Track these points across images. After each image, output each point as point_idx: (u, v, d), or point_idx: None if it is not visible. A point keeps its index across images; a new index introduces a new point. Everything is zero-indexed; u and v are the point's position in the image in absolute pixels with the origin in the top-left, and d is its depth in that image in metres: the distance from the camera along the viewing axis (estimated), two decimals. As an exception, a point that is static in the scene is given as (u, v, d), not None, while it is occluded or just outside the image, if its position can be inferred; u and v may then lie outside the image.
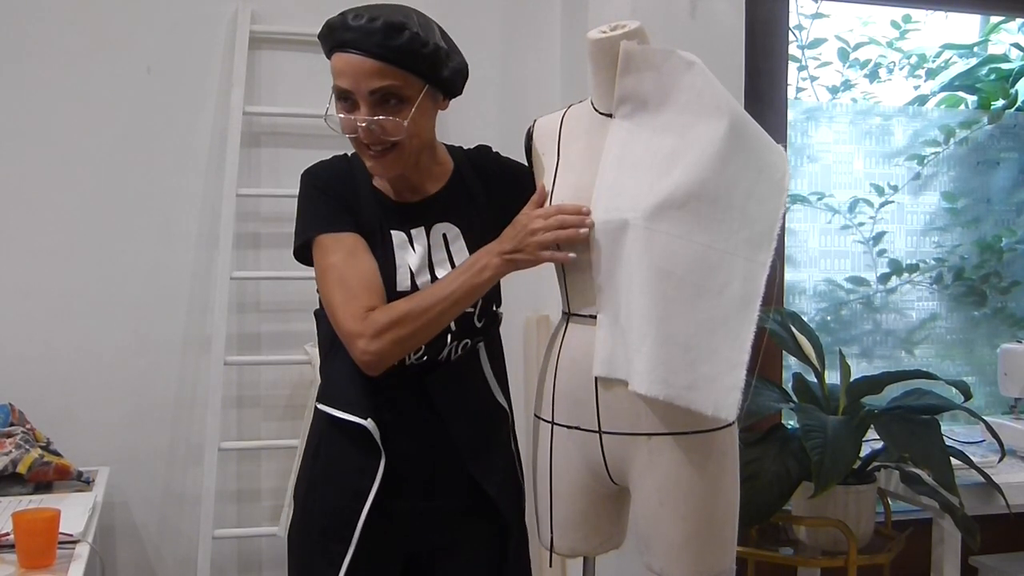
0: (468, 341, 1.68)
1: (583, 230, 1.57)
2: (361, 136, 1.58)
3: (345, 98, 1.58)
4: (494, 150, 1.81)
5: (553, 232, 1.57)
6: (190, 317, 2.60)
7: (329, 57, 1.59)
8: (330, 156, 1.72)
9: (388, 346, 1.54)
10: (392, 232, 1.64)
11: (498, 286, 1.71)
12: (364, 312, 1.54)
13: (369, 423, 1.60)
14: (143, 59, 2.56)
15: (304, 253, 1.66)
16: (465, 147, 1.78)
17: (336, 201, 1.64)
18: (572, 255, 1.58)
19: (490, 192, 1.73)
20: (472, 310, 1.66)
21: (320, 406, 1.68)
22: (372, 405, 1.61)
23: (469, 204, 1.70)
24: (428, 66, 1.57)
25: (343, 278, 1.58)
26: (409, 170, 1.65)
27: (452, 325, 1.64)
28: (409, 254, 1.63)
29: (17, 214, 2.50)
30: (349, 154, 1.71)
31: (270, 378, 2.66)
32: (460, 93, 1.67)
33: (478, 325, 1.68)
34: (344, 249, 1.60)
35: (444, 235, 1.67)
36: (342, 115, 1.59)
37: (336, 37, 1.55)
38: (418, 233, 1.65)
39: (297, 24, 2.63)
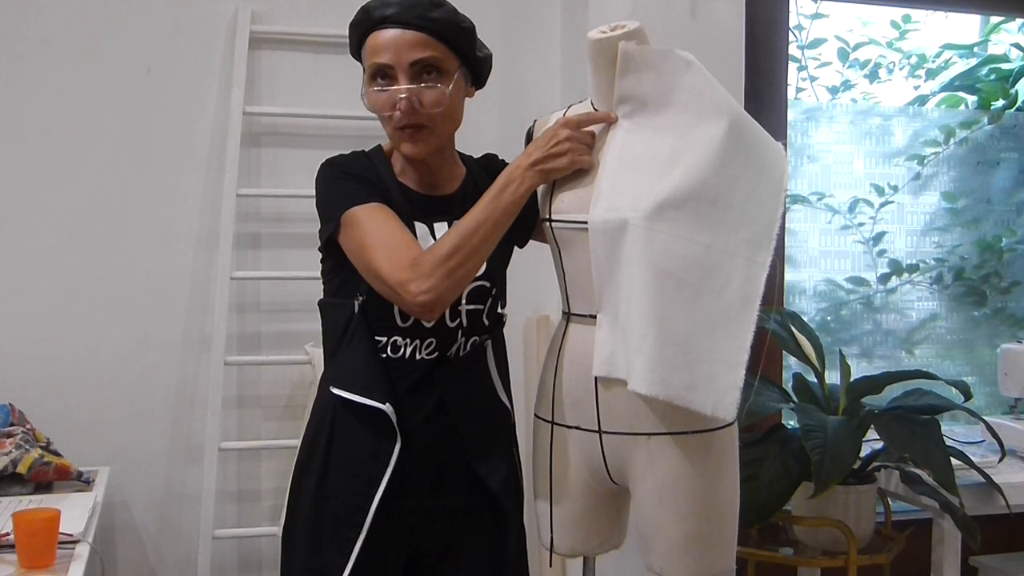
0: (476, 339, 1.68)
1: None
2: (401, 109, 1.57)
3: (383, 75, 1.58)
4: (500, 157, 1.81)
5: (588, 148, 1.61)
6: (190, 317, 2.60)
7: (362, 42, 1.60)
8: (335, 154, 1.71)
9: (440, 281, 1.51)
10: (416, 223, 1.64)
11: (505, 287, 1.72)
12: (410, 261, 1.53)
13: (387, 407, 1.59)
14: (143, 59, 2.56)
15: (334, 240, 1.62)
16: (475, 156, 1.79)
17: (361, 181, 1.62)
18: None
19: None
20: (481, 308, 1.67)
21: (336, 390, 1.65)
22: (388, 390, 1.61)
23: None
24: (465, 43, 1.61)
25: (383, 240, 1.55)
26: (435, 161, 1.66)
27: (463, 321, 1.65)
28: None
29: (17, 214, 2.50)
30: (367, 150, 1.71)
31: (270, 378, 2.66)
32: (484, 84, 1.70)
33: (486, 323, 1.69)
34: (379, 216, 1.58)
35: None
36: (377, 89, 1.59)
37: (375, 16, 1.57)
38: (440, 227, 1.65)
39: (297, 24, 2.63)
